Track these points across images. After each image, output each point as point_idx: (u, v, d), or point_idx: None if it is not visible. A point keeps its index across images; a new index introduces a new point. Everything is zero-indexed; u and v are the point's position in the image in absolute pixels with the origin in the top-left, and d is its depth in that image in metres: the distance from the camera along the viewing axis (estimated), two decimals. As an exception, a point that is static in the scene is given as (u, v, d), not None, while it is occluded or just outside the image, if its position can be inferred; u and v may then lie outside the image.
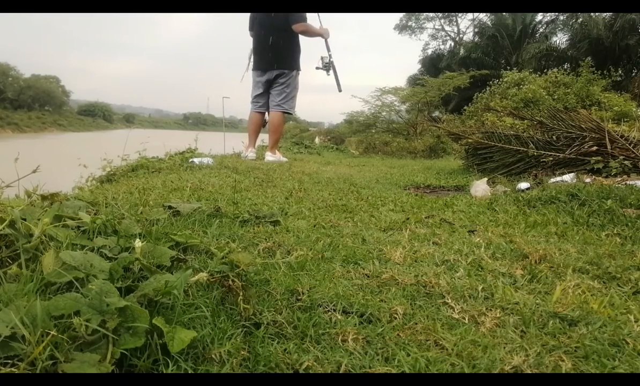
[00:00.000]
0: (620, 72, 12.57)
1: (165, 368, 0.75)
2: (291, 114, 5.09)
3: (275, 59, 4.84)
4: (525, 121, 4.67)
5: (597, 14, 17.23)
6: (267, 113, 5.06)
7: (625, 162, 2.90)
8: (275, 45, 4.80)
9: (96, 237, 1.20)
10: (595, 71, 10.95)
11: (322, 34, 4.97)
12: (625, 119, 7.25)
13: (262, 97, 4.99)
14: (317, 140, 11.32)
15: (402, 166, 5.29)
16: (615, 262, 1.40)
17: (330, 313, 1.00)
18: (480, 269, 1.33)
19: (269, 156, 4.80)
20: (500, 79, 11.99)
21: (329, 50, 5.00)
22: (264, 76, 4.92)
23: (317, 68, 4.98)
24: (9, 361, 0.68)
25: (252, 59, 5.03)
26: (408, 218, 1.97)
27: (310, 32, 4.91)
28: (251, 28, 5.02)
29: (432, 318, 0.99)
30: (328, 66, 4.97)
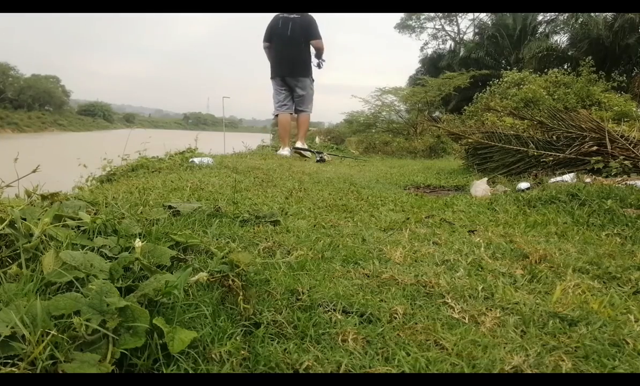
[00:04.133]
0: (624, 77, 12.56)
1: (165, 368, 0.75)
2: (309, 113, 6.04)
3: (294, 68, 5.69)
4: (526, 121, 4.67)
5: (597, 14, 17.23)
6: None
7: (626, 162, 2.90)
8: (294, 56, 5.67)
9: (96, 237, 1.20)
10: (596, 72, 10.94)
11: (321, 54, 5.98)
12: (626, 119, 7.24)
13: (288, 100, 5.85)
14: (317, 140, 11.31)
15: (402, 166, 5.29)
16: (615, 262, 1.40)
17: (330, 313, 1.00)
18: (480, 269, 1.33)
19: (299, 144, 5.78)
20: (501, 79, 11.98)
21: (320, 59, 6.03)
22: (284, 81, 5.75)
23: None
24: (9, 361, 0.68)
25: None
26: (408, 218, 1.97)
27: (322, 50, 5.85)
28: (267, 40, 5.78)
29: (432, 318, 0.99)
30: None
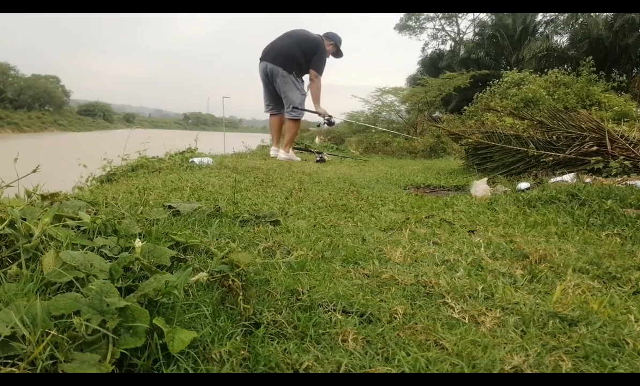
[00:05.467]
0: (624, 77, 12.56)
1: (165, 368, 0.75)
2: (299, 119, 5.47)
3: (277, 56, 5.18)
4: (525, 121, 4.67)
5: (597, 14, 17.23)
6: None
7: (626, 162, 2.90)
8: (283, 46, 5.20)
9: (96, 237, 1.20)
10: (596, 72, 10.95)
11: (318, 104, 5.47)
12: (626, 119, 7.24)
13: (270, 100, 5.44)
14: (317, 140, 11.32)
15: (402, 166, 5.29)
16: (615, 262, 1.40)
17: (330, 313, 1.00)
18: (480, 269, 1.33)
19: (282, 154, 5.33)
20: (501, 79, 11.99)
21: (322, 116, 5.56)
22: (262, 67, 5.24)
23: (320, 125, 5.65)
24: (9, 361, 0.68)
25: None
26: (408, 218, 1.97)
27: (315, 90, 5.34)
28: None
29: (432, 318, 0.99)
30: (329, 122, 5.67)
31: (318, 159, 5.44)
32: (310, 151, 5.98)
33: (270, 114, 5.57)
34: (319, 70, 5.31)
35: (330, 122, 5.60)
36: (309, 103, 5.46)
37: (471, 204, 2.37)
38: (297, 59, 5.19)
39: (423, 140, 9.00)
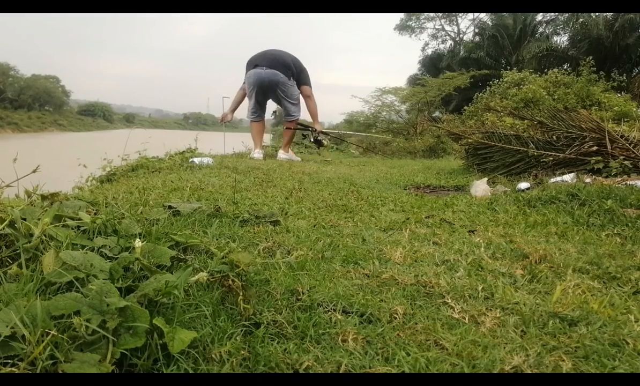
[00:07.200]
0: (624, 77, 12.57)
1: (166, 368, 0.75)
2: (297, 118, 5.56)
3: (273, 63, 5.22)
4: (525, 121, 4.67)
5: (597, 14, 17.24)
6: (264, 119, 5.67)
7: (626, 162, 2.89)
8: (281, 57, 5.26)
9: (96, 237, 1.20)
10: (597, 72, 10.96)
11: (315, 119, 5.73)
12: (626, 119, 7.24)
13: (257, 108, 5.46)
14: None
15: (402, 166, 5.28)
16: (615, 262, 1.40)
17: (330, 313, 1.00)
18: (480, 269, 1.33)
19: (282, 154, 5.39)
20: (501, 79, 12.00)
21: (312, 130, 5.76)
22: (257, 73, 5.21)
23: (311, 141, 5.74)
24: (9, 361, 0.68)
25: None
26: (408, 218, 1.97)
27: (314, 107, 5.51)
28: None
29: (432, 318, 0.99)
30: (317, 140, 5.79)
31: (312, 139, 5.45)
32: (305, 127, 5.83)
33: (252, 121, 5.50)
34: (310, 84, 5.50)
35: (317, 141, 5.62)
36: (304, 108, 5.56)
37: (471, 204, 2.37)
38: (290, 68, 5.30)
39: (423, 140, 9.00)
